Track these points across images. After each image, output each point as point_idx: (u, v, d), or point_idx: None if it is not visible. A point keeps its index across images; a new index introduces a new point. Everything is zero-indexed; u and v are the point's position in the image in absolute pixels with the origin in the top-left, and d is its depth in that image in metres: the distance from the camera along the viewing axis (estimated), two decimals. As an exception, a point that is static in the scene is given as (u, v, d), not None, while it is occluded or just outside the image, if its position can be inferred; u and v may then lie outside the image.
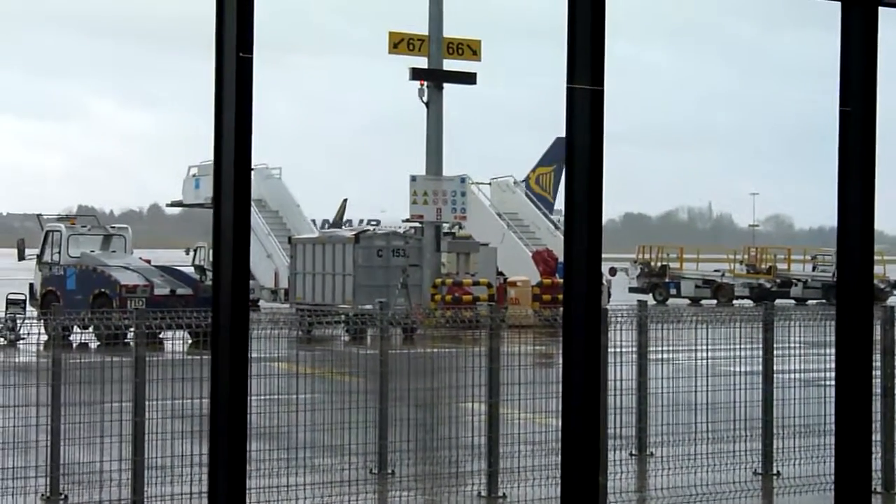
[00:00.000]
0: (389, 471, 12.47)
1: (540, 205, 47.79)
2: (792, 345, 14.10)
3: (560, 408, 5.52)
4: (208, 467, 4.62)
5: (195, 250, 45.37)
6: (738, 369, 13.43)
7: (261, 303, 40.93)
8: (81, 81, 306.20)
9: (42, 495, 10.97)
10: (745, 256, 58.38)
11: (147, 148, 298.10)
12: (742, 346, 13.46)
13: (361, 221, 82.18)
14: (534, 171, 75.31)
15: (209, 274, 31.49)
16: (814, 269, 56.84)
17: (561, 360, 5.47)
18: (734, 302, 50.87)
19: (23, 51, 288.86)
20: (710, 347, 13.20)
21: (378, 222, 59.17)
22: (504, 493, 11.82)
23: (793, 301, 50.31)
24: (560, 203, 76.92)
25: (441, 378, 13.12)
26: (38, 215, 34.58)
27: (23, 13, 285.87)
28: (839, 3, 5.73)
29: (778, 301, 44.92)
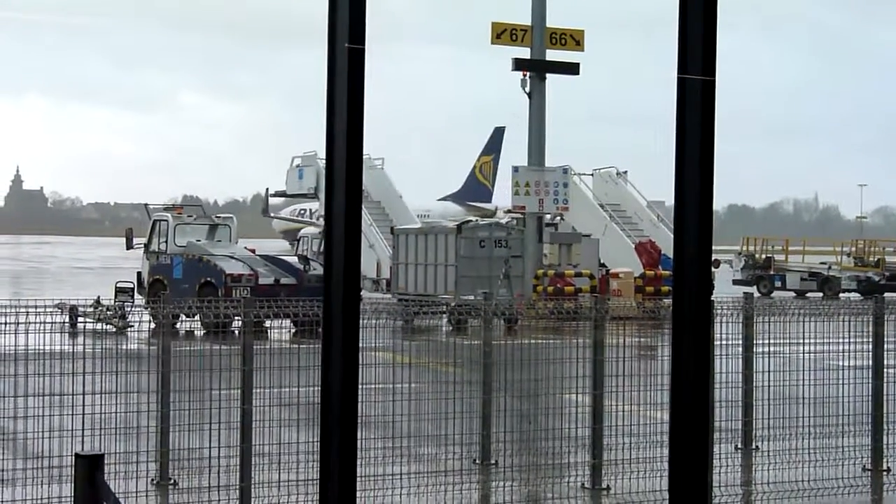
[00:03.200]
0: (492, 461, 12.48)
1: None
2: (903, 339, 13.85)
3: (664, 400, 5.48)
4: (320, 454, 4.67)
5: (298, 240, 45.81)
6: (846, 364, 13.20)
7: (363, 293, 41.21)
8: (170, 72, 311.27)
9: (152, 480, 11.18)
10: (853, 249, 57.27)
11: (240, 138, 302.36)
12: (850, 340, 13.23)
13: (293, 211, 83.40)
14: (478, 159, 75.30)
15: (313, 264, 31.78)
16: (925, 261, 55.62)
17: (664, 353, 5.43)
18: (841, 295, 50.00)
19: (112, 43, 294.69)
20: (817, 341, 13.00)
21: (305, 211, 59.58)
22: (608, 486, 11.77)
23: (902, 295, 49.33)
24: (498, 193, 76.71)
25: (544, 369, 13.10)
26: (146, 205, 35.20)
27: (112, 7, 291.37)
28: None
29: (887, 295, 44.08)
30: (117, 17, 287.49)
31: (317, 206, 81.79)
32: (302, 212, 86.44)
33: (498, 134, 77.25)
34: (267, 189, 43.99)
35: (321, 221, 78.89)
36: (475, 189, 78.68)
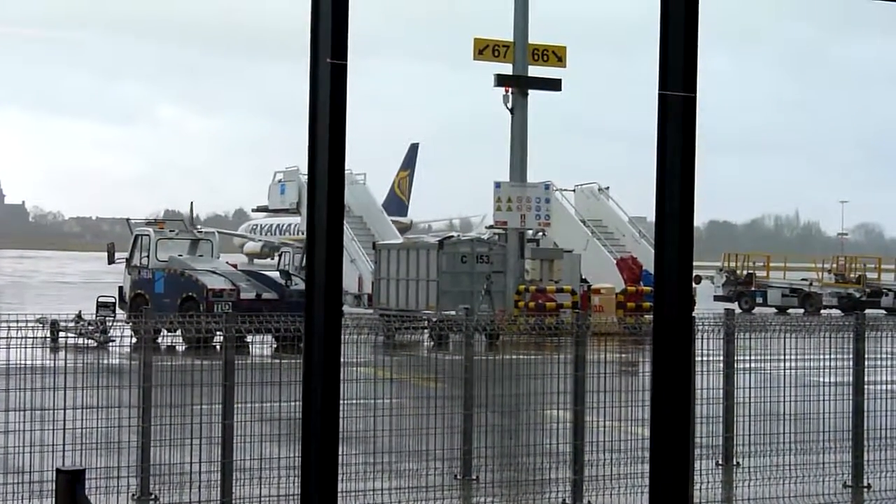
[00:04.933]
0: (473, 477, 12.47)
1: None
2: (883, 356, 13.89)
3: (645, 416, 5.50)
4: (301, 469, 4.67)
5: (280, 255, 45.80)
6: (826, 380, 13.25)
7: (344, 308, 41.15)
8: (145, 85, 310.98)
9: (133, 495, 11.13)
10: (834, 265, 57.52)
11: (220, 152, 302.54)
12: (831, 357, 13.28)
13: (247, 227, 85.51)
14: (397, 175, 76.32)
15: (294, 279, 31.75)
16: (905, 278, 55.85)
17: (646, 369, 5.45)
18: (822, 311, 50.15)
19: (88, 57, 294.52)
20: (798, 357, 13.04)
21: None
22: (589, 501, 11.77)
23: (883, 311, 49.49)
24: (413, 206, 78.19)
25: (525, 385, 13.10)
26: (127, 220, 35.11)
27: (87, 20, 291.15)
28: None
29: (868, 311, 44.10)
30: (92, 29, 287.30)
31: (268, 222, 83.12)
32: (254, 227, 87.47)
33: (413, 150, 78.63)
34: (192, 203, 44.52)
35: (261, 237, 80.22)
36: (394, 203, 79.76)
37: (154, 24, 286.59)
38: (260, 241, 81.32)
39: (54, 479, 5.55)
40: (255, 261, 74.10)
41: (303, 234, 76.71)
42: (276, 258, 46.30)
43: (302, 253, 39.04)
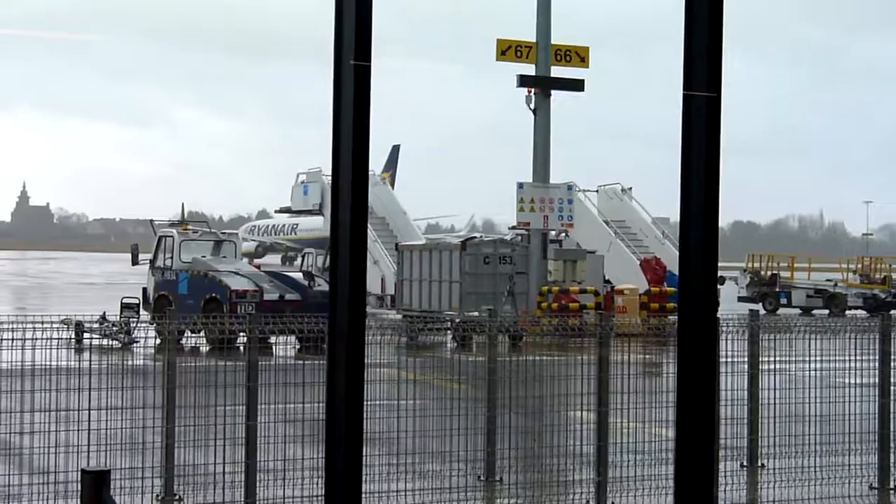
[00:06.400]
0: (497, 478, 12.46)
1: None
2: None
3: (669, 417, 5.48)
4: (325, 470, 4.67)
5: (303, 256, 45.90)
6: (851, 381, 13.18)
7: (367, 309, 41.11)
8: (165, 87, 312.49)
9: (157, 495, 11.17)
10: (859, 266, 57.23)
11: (240, 154, 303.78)
12: (856, 358, 13.21)
13: (245, 228, 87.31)
14: (380, 175, 77.52)
15: (317, 280, 31.80)
16: (930, 279, 55.49)
17: (670, 370, 5.43)
18: (847, 312, 49.89)
19: (103, 59, 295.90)
20: (822, 358, 12.98)
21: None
22: (613, 503, 11.75)
23: (908, 312, 49.18)
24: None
25: (549, 386, 13.07)
26: (151, 221, 35.23)
27: (98, 23, 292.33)
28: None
29: (893, 312, 43.80)
30: (113, 32, 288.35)
31: (264, 223, 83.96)
32: (252, 228, 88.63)
33: (395, 151, 79.43)
34: (183, 204, 44.94)
35: (256, 237, 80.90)
36: None
37: (175, 26, 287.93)
38: (254, 241, 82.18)
39: (79, 479, 5.57)
40: (255, 260, 75.12)
41: (296, 234, 77.40)
42: (300, 259, 46.37)
43: (325, 254, 39.13)
